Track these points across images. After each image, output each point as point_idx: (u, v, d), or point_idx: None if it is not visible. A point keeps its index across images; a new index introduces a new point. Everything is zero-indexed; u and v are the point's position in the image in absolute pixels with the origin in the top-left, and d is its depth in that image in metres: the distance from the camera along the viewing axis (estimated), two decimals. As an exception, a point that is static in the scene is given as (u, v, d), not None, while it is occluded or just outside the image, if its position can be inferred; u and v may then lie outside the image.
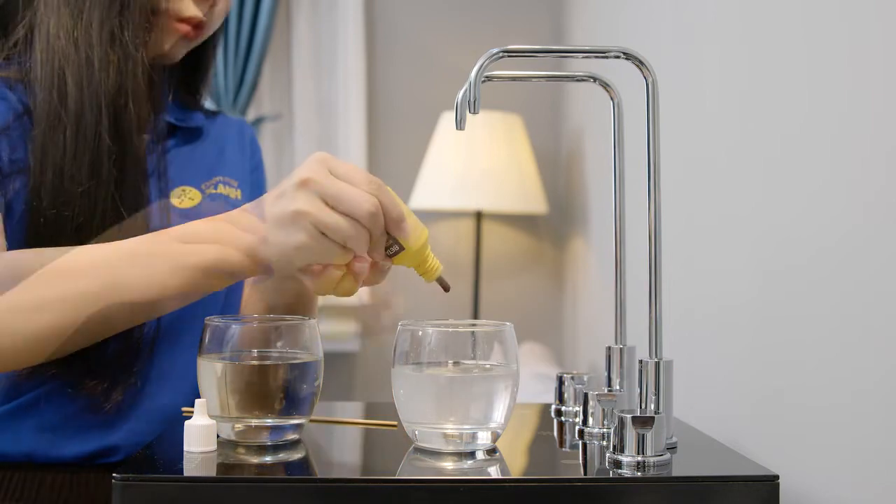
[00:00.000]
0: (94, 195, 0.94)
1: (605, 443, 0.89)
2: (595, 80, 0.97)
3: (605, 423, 0.91)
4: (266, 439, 0.85)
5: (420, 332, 0.84)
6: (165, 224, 1.02)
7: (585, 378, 1.01)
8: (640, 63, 0.87)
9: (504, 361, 0.84)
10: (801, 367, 0.94)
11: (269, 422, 0.85)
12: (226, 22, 1.11)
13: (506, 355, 0.84)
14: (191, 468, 0.78)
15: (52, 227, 0.93)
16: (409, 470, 0.80)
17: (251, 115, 2.70)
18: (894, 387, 0.78)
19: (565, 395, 1.01)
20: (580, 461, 0.87)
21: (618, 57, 0.88)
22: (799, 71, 0.98)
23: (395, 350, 0.84)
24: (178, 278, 0.85)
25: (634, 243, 1.11)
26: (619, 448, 0.80)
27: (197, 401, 0.82)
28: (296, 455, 0.84)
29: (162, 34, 1.02)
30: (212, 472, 0.78)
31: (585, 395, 0.92)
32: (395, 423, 0.94)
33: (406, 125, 2.73)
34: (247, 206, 0.88)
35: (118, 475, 0.75)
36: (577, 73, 0.99)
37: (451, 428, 0.82)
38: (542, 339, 2.64)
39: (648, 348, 0.87)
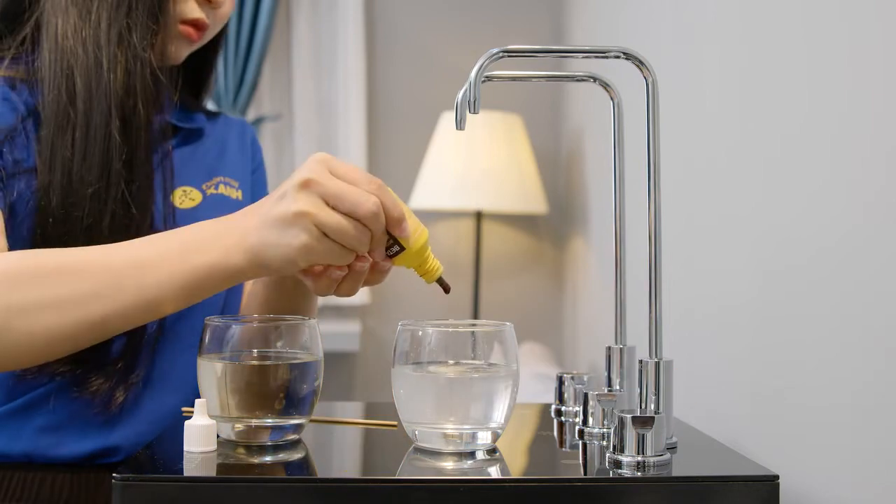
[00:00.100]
0: (103, 196, 0.94)
1: (605, 443, 0.89)
2: (595, 80, 0.97)
3: (605, 423, 0.91)
4: (266, 439, 0.85)
5: (420, 332, 0.84)
6: (170, 225, 1.02)
7: (585, 378, 1.01)
8: (640, 63, 0.87)
9: (504, 361, 0.84)
10: (801, 367, 0.94)
11: (269, 422, 0.85)
12: (228, 24, 1.12)
13: (506, 355, 0.84)
14: (191, 468, 0.78)
15: (60, 228, 0.93)
16: (409, 470, 0.80)
17: (251, 115, 2.70)
18: (894, 387, 0.78)
19: (565, 395, 1.01)
20: (580, 461, 0.87)
21: (618, 57, 0.88)
22: (799, 71, 0.98)
23: (395, 350, 0.84)
24: (181, 280, 0.85)
25: (634, 243, 1.11)
26: (619, 448, 0.80)
27: (197, 401, 0.82)
28: (296, 455, 0.84)
29: (166, 36, 1.02)
30: (212, 472, 0.78)
31: (585, 395, 0.92)
32: (395, 423, 0.94)
33: (406, 125, 2.73)
34: (248, 207, 0.87)
35: (118, 475, 0.75)
36: (577, 73, 0.99)
37: (451, 428, 0.82)
38: (542, 339, 2.64)
39: (648, 348, 0.87)
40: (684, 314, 1.30)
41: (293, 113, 2.71)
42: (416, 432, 0.84)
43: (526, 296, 2.75)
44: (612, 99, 0.98)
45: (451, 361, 0.83)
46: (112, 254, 0.86)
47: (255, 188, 1.19)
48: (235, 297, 1.11)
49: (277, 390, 0.85)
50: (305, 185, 0.82)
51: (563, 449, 0.92)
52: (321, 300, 2.53)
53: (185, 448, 0.81)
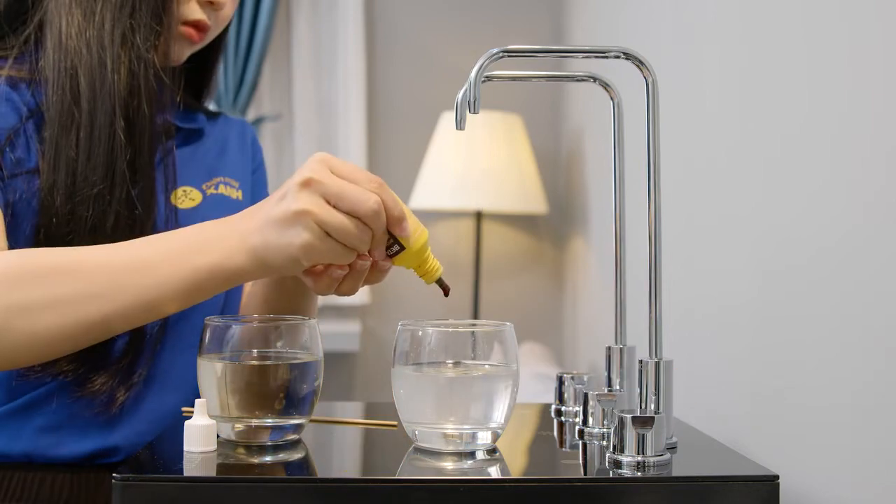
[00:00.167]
0: (107, 196, 0.94)
1: (605, 443, 0.89)
2: (595, 80, 0.97)
3: (605, 423, 0.91)
4: (266, 439, 0.85)
5: (420, 332, 0.84)
6: (171, 225, 1.02)
7: (585, 378, 1.01)
8: (640, 63, 0.87)
9: (504, 361, 0.84)
10: (801, 367, 0.94)
11: (269, 422, 0.85)
12: (229, 25, 1.12)
13: (506, 355, 0.84)
14: (191, 468, 0.78)
15: (64, 228, 0.93)
16: (409, 470, 0.80)
17: (251, 115, 2.70)
18: (894, 387, 0.78)
19: (565, 395, 1.01)
20: (580, 461, 0.87)
21: (618, 57, 0.88)
22: (799, 71, 0.98)
23: (395, 350, 0.84)
24: (182, 281, 0.85)
25: (634, 243, 1.11)
26: (619, 448, 0.80)
27: (197, 401, 0.82)
28: (296, 455, 0.84)
29: (168, 37, 1.02)
30: (212, 472, 0.78)
31: (585, 395, 0.92)
32: (395, 423, 0.94)
33: (406, 125, 2.73)
34: (250, 208, 0.87)
35: (118, 475, 0.75)
36: (577, 73, 0.99)
37: (451, 428, 0.82)
38: (542, 339, 2.64)
39: (648, 348, 0.87)
40: (684, 314, 1.30)
41: (293, 113, 2.71)
42: (416, 432, 0.84)
43: (526, 296, 2.75)
44: (612, 99, 0.98)
45: (450, 361, 0.83)
46: (113, 254, 0.86)
47: (256, 188, 1.19)
48: (235, 296, 1.11)
49: (277, 390, 0.85)
50: (306, 185, 0.82)
51: (563, 449, 0.92)
52: (321, 300, 2.53)
53: (185, 448, 0.81)
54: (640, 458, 0.79)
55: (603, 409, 0.91)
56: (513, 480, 0.77)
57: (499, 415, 0.83)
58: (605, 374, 0.96)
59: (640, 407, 0.87)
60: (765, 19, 1.07)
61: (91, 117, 0.95)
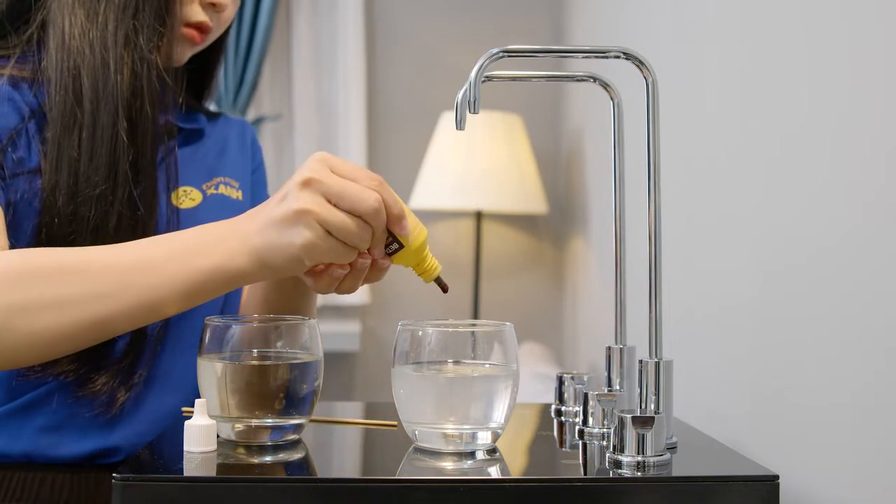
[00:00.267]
0: (110, 197, 0.94)
1: (605, 443, 0.89)
2: (595, 80, 0.97)
3: (605, 423, 0.91)
4: (266, 439, 0.85)
5: (420, 332, 0.84)
6: (173, 226, 1.02)
7: (585, 378, 1.01)
8: (640, 63, 0.87)
9: (504, 361, 0.84)
10: (801, 367, 0.94)
11: (269, 422, 0.85)
12: (230, 27, 1.12)
13: (506, 355, 0.84)
14: (191, 468, 0.78)
15: (66, 228, 0.93)
16: (409, 470, 0.80)
17: (251, 115, 2.70)
18: (894, 387, 0.78)
19: (565, 395, 1.01)
20: (580, 461, 0.87)
21: (618, 57, 0.88)
22: (799, 71, 0.98)
23: (395, 350, 0.84)
24: (183, 282, 0.85)
25: (634, 243, 1.11)
26: (619, 448, 0.80)
27: (197, 401, 0.82)
28: (296, 455, 0.84)
29: (171, 38, 1.02)
30: (212, 472, 0.78)
31: (585, 395, 0.92)
32: (395, 423, 0.94)
33: (406, 125, 2.73)
34: (251, 210, 0.87)
35: (118, 475, 0.75)
36: (577, 73, 0.99)
37: (451, 428, 0.82)
38: (542, 339, 2.64)
39: (648, 348, 0.87)
40: (684, 314, 1.30)
41: (293, 113, 2.71)
42: (416, 432, 0.84)
43: (526, 296, 2.75)
44: (612, 99, 0.98)
45: (450, 361, 0.83)
46: (114, 254, 0.86)
47: (255, 188, 1.19)
48: (235, 297, 1.11)
49: (277, 390, 0.85)
50: (307, 184, 0.83)
51: (563, 449, 0.92)
52: (321, 300, 2.53)
53: (185, 448, 0.81)
54: (640, 458, 0.79)
55: (603, 409, 0.91)
56: (513, 480, 0.77)
57: (499, 415, 0.83)
58: (605, 374, 0.96)
59: (640, 407, 0.87)
60: (765, 19, 1.07)
61: (94, 118, 0.95)
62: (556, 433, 0.97)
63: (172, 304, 0.86)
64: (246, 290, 1.13)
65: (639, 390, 0.87)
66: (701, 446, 0.91)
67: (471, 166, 2.44)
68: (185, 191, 1.07)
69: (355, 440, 0.95)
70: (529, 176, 2.51)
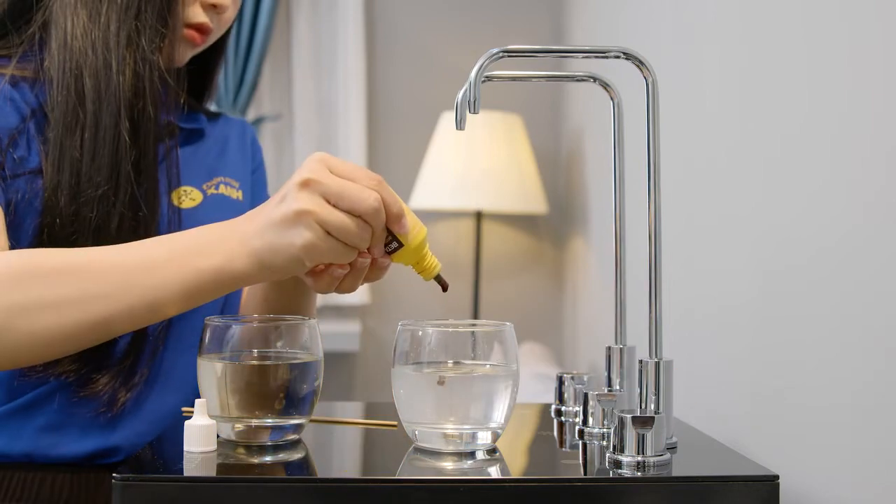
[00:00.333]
0: (112, 198, 0.94)
1: (605, 443, 0.89)
2: (595, 80, 0.97)
3: (605, 423, 0.91)
4: (266, 439, 0.85)
5: (420, 332, 0.84)
6: (174, 226, 1.02)
7: (585, 378, 1.01)
8: (640, 63, 0.87)
9: (504, 361, 0.84)
10: (801, 367, 0.94)
11: (269, 422, 0.85)
12: (231, 27, 1.12)
13: (506, 355, 0.84)
14: (191, 468, 0.78)
15: (68, 228, 0.93)
16: (409, 470, 0.80)
17: (251, 115, 2.70)
18: (894, 387, 0.78)
19: (565, 395, 1.01)
20: (580, 461, 0.87)
21: (618, 57, 0.88)
22: (799, 71, 0.98)
23: (395, 350, 0.84)
24: (184, 283, 0.85)
25: (634, 243, 1.11)
26: (619, 448, 0.80)
27: (197, 401, 0.82)
28: (296, 455, 0.84)
29: (172, 39, 1.02)
30: (212, 472, 0.78)
31: (585, 395, 0.92)
32: (395, 423, 0.94)
33: (406, 125, 2.73)
34: (251, 211, 0.87)
35: (118, 475, 0.75)
36: (577, 73, 0.99)
37: (451, 428, 0.82)
38: (542, 339, 2.64)
39: (648, 348, 0.87)
40: (684, 314, 1.30)
41: (293, 113, 2.71)
42: (416, 432, 0.84)
43: (526, 296, 2.75)
44: (612, 99, 0.98)
45: (451, 361, 0.83)
46: (115, 255, 0.86)
47: (255, 188, 1.19)
48: (235, 297, 1.11)
49: (277, 390, 0.85)
50: (306, 185, 0.82)
51: (563, 449, 0.92)
52: (321, 300, 2.53)
53: (185, 448, 0.81)
54: (640, 458, 0.79)
55: (603, 409, 0.91)
56: (513, 480, 0.77)
57: (499, 415, 0.83)
58: (605, 374, 0.96)
59: (640, 407, 0.87)
60: (765, 19, 1.07)
61: (96, 118, 0.95)
62: (556, 433, 0.97)
63: (172, 305, 0.86)
64: (246, 290, 1.13)
65: (639, 390, 0.87)
66: (701, 446, 0.91)
67: (471, 166, 2.44)
68: (185, 191, 1.07)
69: (355, 440, 0.95)
70: (529, 176, 2.51)
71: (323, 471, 0.85)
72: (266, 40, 2.61)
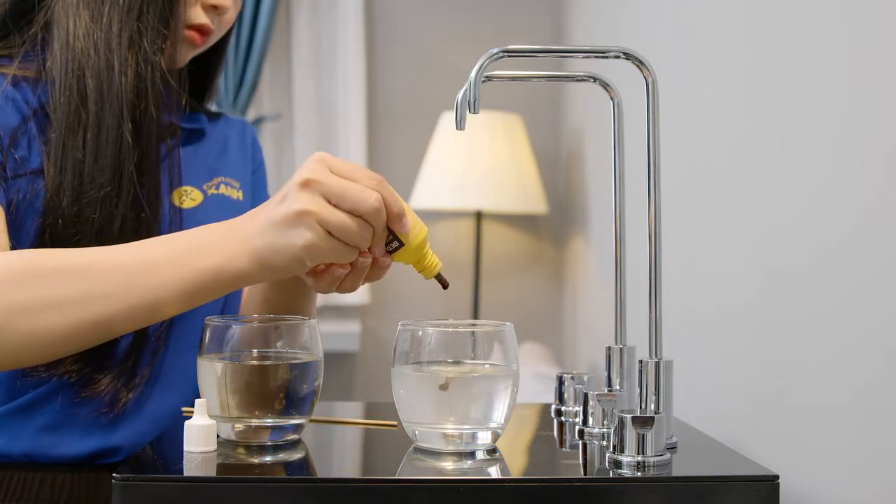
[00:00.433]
0: (115, 198, 0.95)
1: (605, 443, 0.89)
2: (595, 80, 0.97)
3: (605, 423, 0.91)
4: (266, 439, 0.85)
5: (420, 332, 0.84)
6: (175, 226, 1.02)
7: (585, 378, 1.01)
8: (640, 63, 0.87)
9: (504, 361, 0.84)
10: (801, 367, 0.94)
11: (269, 422, 0.85)
12: (232, 28, 1.12)
13: (506, 355, 0.84)
14: (191, 468, 0.78)
15: (70, 229, 0.93)
16: (409, 470, 0.80)
17: (251, 115, 2.70)
18: (894, 387, 0.78)
19: (565, 395, 1.01)
20: (580, 461, 0.87)
21: (618, 57, 0.88)
22: (799, 71, 0.98)
23: (395, 350, 0.84)
24: (184, 283, 0.85)
25: (634, 243, 1.11)
26: (619, 448, 0.80)
27: (197, 401, 0.82)
28: (296, 455, 0.84)
29: (174, 40, 1.02)
30: (212, 472, 0.78)
31: (585, 395, 0.92)
32: (395, 423, 0.94)
33: (406, 125, 2.73)
34: (252, 211, 0.87)
35: (118, 475, 0.75)
36: (577, 73, 0.99)
37: (451, 428, 0.82)
38: (542, 339, 2.64)
39: (648, 348, 0.87)
40: (684, 314, 1.30)
41: (293, 113, 2.71)
42: (416, 432, 0.84)
43: (526, 296, 2.75)
44: (612, 99, 0.98)
45: (451, 361, 0.83)
46: (115, 255, 0.86)
47: (256, 188, 1.19)
48: (235, 297, 1.11)
49: (277, 390, 0.85)
50: (306, 185, 0.82)
51: (563, 449, 0.92)
52: (321, 299, 2.53)
53: (185, 448, 0.81)
54: (640, 458, 0.79)
55: (603, 409, 0.91)
56: (513, 480, 0.77)
57: (499, 415, 0.83)
58: (605, 374, 0.96)
59: (640, 407, 0.87)
60: (765, 19, 1.07)
61: (98, 119, 0.95)
62: (556, 433, 0.97)
63: (173, 305, 0.86)
64: (246, 290, 1.13)
65: (639, 390, 0.87)
66: (701, 446, 0.91)
67: (471, 166, 2.44)
68: (185, 190, 1.07)
69: (355, 440, 0.95)
70: (529, 176, 2.51)
71: (323, 471, 0.85)
72: (266, 40, 2.61)
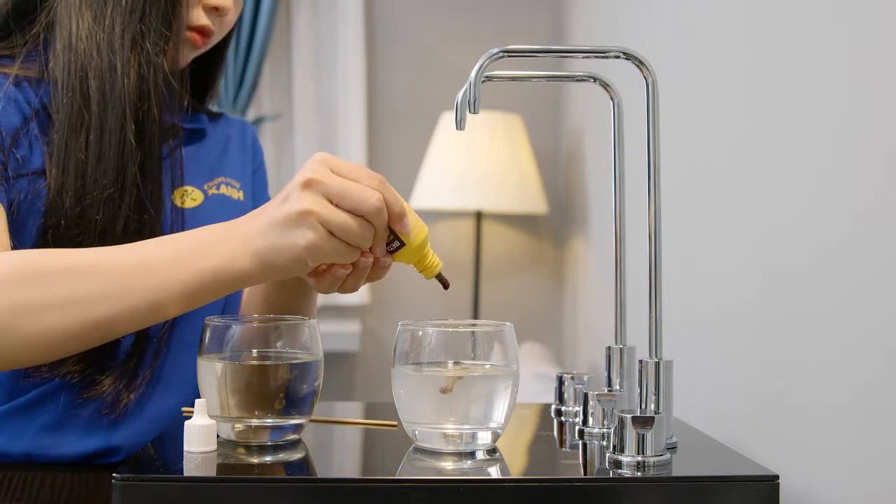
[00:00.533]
0: (118, 200, 0.95)
1: (605, 443, 0.89)
2: (595, 80, 0.97)
3: (605, 423, 0.91)
4: (266, 439, 0.85)
5: (420, 332, 0.84)
6: (177, 227, 1.02)
7: (585, 378, 1.01)
8: (640, 63, 0.87)
9: (504, 361, 0.84)
10: (801, 367, 0.94)
11: (269, 422, 0.85)
12: (233, 29, 1.12)
13: (506, 355, 0.84)
14: (191, 468, 0.78)
15: (73, 230, 0.93)
16: (409, 470, 0.80)
17: (251, 115, 2.70)
18: (894, 387, 0.78)
19: (565, 395, 1.01)
20: (580, 461, 0.87)
21: (618, 57, 0.88)
22: (799, 71, 0.98)
23: (395, 350, 0.84)
24: (186, 283, 0.85)
25: (634, 243, 1.11)
26: (619, 448, 0.80)
27: (197, 401, 0.82)
28: (296, 455, 0.84)
29: (176, 42, 1.02)
30: (212, 472, 0.78)
31: (585, 395, 0.92)
32: (395, 423, 0.94)
33: (406, 125, 2.73)
34: (253, 212, 0.88)
35: (118, 475, 0.75)
36: (577, 73, 0.99)
37: (451, 428, 0.82)
38: (542, 339, 2.64)
39: (648, 348, 0.87)
40: (684, 314, 1.30)
41: (293, 113, 2.71)
42: (416, 432, 0.84)
43: (526, 296, 2.75)
44: (612, 99, 0.98)
45: (450, 361, 0.83)
46: (117, 255, 0.86)
47: (256, 189, 1.19)
48: (236, 297, 1.11)
49: (277, 390, 0.85)
50: (308, 185, 0.82)
51: (563, 449, 0.92)
52: (321, 299, 2.53)
53: (185, 448, 0.81)
54: (640, 458, 0.79)
55: (603, 409, 0.91)
56: (513, 480, 0.77)
57: (499, 415, 0.83)
58: (605, 374, 0.96)
59: (640, 407, 0.87)
60: (765, 19, 1.07)
61: (101, 120, 0.95)
62: (556, 433, 0.97)
63: (174, 306, 0.86)
64: (246, 290, 1.13)
65: (639, 390, 0.87)
66: (701, 446, 0.91)
67: (471, 166, 2.44)
68: (186, 190, 1.07)
69: (355, 440, 0.95)
70: (529, 176, 2.51)
71: (323, 471, 0.85)
72: (266, 40, 2.61)
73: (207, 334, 0.86)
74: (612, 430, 0.81)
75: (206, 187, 1.10)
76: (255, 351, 0.86)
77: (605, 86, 0.97)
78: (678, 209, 1.35)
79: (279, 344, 0.87)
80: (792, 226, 0.98)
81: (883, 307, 0.80)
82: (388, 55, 2.75)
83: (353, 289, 0.90)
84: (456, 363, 0.83)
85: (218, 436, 0.84)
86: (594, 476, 0.80)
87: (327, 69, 2.72)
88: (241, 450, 0.84)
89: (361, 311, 2.73)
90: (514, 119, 2.52)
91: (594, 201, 2.26)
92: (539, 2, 2.73)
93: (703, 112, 1.28)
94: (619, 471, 0.79)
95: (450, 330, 0.84)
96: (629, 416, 0.80)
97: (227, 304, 1.09)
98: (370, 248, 0.87)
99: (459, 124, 0.90)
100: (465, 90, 0.87)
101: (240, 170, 1.16)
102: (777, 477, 0.77)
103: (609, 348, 0.96)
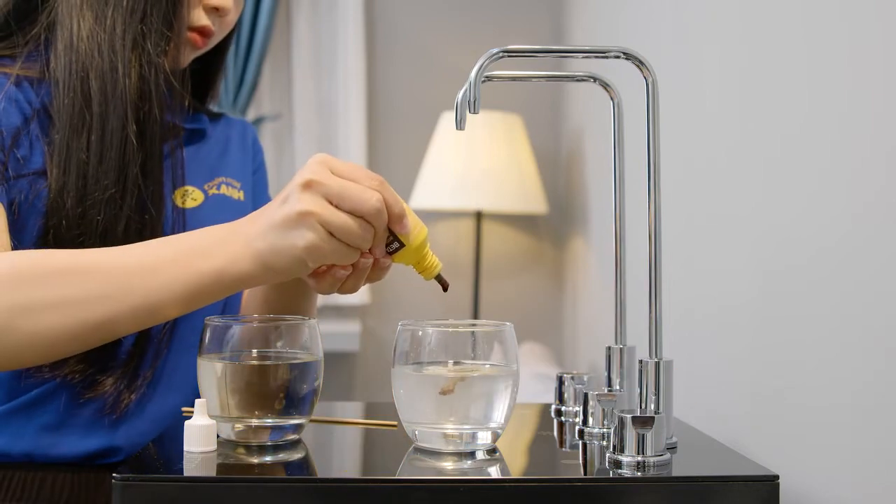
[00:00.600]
0: (119, 200, 0.95)
1: (605, 443, 0.89)
2: (595, 80, 0.97)
3: (605, 423, 0.91)
4: (266, 439, 0.85)
5: (420, 332, 0.84)
6: (178, 227, 1.02)
7: (585, 378, 1.01)
8: (640, 63, 0.87)
9: (504, 361, 0.84)
10: (801, 367, 0.94)
11: (269, 422, 0.85)
12: (234, 29, 1.12)
13: (506, 355, 0.84)
14: (191, 468, 0.78)
15: (74, 231, 0.93)
16: (409, 470, 0.80)
17: (251, 115, 2.70)
18: (894, 387, 0.78)
19: (565, 395, 1.01)
20: (580, 461, 0.87)
21: (618, 57, 0.88)
22: (799, 71, 0.98)
23: (395, 350, 0.84)
24: (186, 285, 0.85)
25: (634, 243, 1.11)
26: (619, 448, 0.80)
27: (197, 401, 0.82)
28: (296, 455, 0.84)
29: (177, 42, 1.02)
30: (212, 472, 0.78)
31: (585, 395, 0.92)
32: (395, 423, 0.94)
33: (406, 125, 2.73)
34: (254, 213, 0.88)
35: (118, 475, 0.75)
36: (577, 73, 0.99)
37: (451, 428, 0.82)
38: (542, 339, 2.64)
39: (648, 348, 0.87)
40: (684, 314, 1.30)
41: (293, 113, 2.71)
42: (416, 432, 0.84)
43: (526, 296, 2.75)
44: (612, 99, 0.98)
45: (451, 361, 0.84)
46: (117, 256, 0.86)
47: (256, 189, 1.19)
48: (236, 297, 1.11)
49: (277, 390, 0.85)
50: (308, 186, 0.82)
51: (563, 449, 0.92)
52: (321, 299, 2.53)
53: (185, 448, 0.81)
54: (640, 458, 0.79)
55: (603, 409, 0.91)
56: (513, 480, 0.77)
57: (499, 415, 0.83)
58: (605, 374, 0.96)
59: (640, 407, 0.87)
60: (765, 19, 1.07)
61: (102, 120, 0.95)
62: (556, 433, 0.97)
63: (174, 307, 0.86)
64: (246, 291, 1.13)
65: (639, 390, 0.87)
66: (701, 446, 0.91)
67: (471, 166, 2.44)
68: (187, 190, 1.07)
69: (355, 440, 0.95)
70: (529, 176, 2.51)
71: (323, 471, 0.85)
72: (266, 40, 2.61)
73: (207, 334, 0.86)
74: (612, 430, 0.81)
75: (206, 187, 1.10)
76: (255, 351, 0.86)
77: (605, 86, 0.97)
78: (678, 209, 1.35)
79: (279, 344, 0.87)
80: (792, 226, 0.98)
81: (883, 307, 0.80)
82: (388, 55, 2.75)
83: (353, 289, 0.90)
84: (456, 363, 0.83)
85: (218, 436, 0.84)
86: (594, 476, 0.80)
87: (327, 69, 2.72)
88: (241, 450, 0.84)
89: (361, 312, 2.73)
90: (514, 119, 2.52)
91: (594, 201, 2.26)
92: (539, 2, 2.73)
93: (703, 112, 1.28)
94: (619, 471, 0.79)
95: (450, 330, 0.84)
96: (629, 416, 0.80)
97: (227, 305, 1.09)
98: (370, 249, 0.87)
99: (459, 124, 0.90)
100: (465, 90, 0.87)
101: (240, 170, 1.16)
102: (777, 477, 0.77)
103: (609, 348, 0.96)
